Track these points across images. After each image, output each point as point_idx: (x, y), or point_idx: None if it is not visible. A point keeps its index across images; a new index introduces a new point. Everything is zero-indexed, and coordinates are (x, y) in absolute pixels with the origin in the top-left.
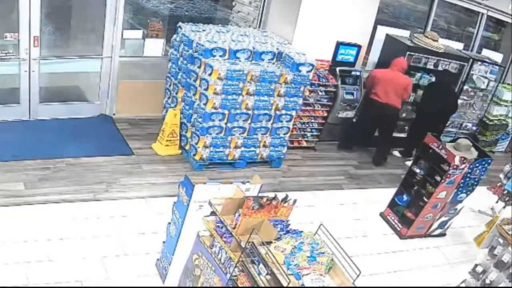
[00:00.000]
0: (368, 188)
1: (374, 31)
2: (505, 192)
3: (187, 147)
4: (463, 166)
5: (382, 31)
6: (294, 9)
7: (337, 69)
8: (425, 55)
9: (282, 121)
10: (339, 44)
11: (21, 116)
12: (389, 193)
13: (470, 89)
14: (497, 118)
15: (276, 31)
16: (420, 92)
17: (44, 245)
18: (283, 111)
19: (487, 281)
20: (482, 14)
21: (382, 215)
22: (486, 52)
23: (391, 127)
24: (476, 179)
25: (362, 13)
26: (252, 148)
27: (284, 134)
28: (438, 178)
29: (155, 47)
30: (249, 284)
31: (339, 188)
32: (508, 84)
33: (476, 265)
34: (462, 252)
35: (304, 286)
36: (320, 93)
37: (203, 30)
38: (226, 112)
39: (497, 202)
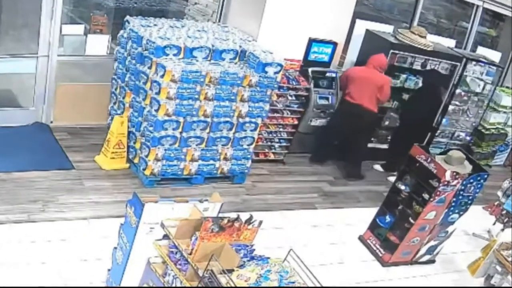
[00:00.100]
0: (345, 208)
1: (352, 26)
2: (504, 212)
3: (136, 160)
4: (455, 182)
5: (362, 26)
6: (260, 1)
7: (310, 70)
8: (411, 54)
9: (245, 130)
10: (311, 41)
11: None
12: (369, 213)
13: (463, 93)
14: (494, 127)
15: (238, 26)
16: (405, 96)
17: None
18: (247, 119)
19: None
20: (477, 6)
21: (361, 238)
22: (481, 50)
23: (364, 132)
24: (470, 197)
25: (338, 6)
26: (211, 162)
27: (248, 145)
28: (426, 196)
29: (99, 44)
30: None
31: (312, 207)
32: (507, 87)
33: None
34: (453, 282)
35: None
36: (289, 97)
37: (155, 25)
38: (181, 119)
39: (494, 223)
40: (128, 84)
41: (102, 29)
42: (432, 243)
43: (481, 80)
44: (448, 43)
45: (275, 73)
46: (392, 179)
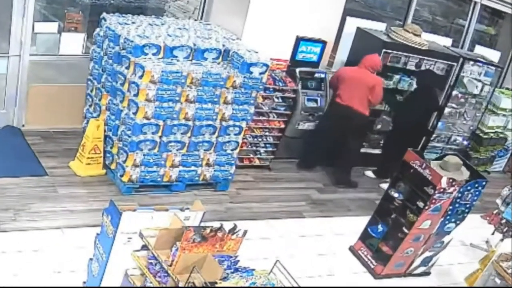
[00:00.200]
0: (335, 217)
1: (342, 24)
2: (503, 221)
3: (112, 166)
4: (451, 189)
5: (353, 24)
6: None
7: (297, 70)
8: (405, 53)
9: (229, 135)
10: (299, 40)
11: None
12: (360, 222)
13: (460, 95)
14: (493, 131)
15: (222, 24)
16: (399, 98)
17: None
18: (231, 122)
19: None
20: (475, 2)
21: (352, 249)
22: (479, 50)
23: (355, 136)
24: (468, 206)
25: (327, 2)
26: (193, 168)
27: (232, 150)
28: (421, 204)
29: (73, 43)
30: None
31: (300, 216)
32: (507, 88)
33: None
34: None
35: None
36: (276, 99)
37: (133, 23)
38: (160, 123)
39: (493, 233)
40: (105, 86)
41: (77, 27)
42: (427, 254)
43: (479, 81)
44: (444, 41)
45: (261, 73)
46: (384, 186)
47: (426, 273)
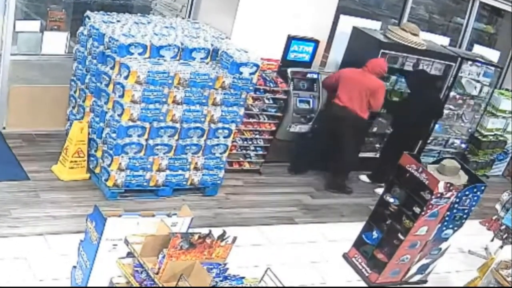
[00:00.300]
0: (328, 223)
1: (335, 23)
2: (503, 227)
3: (97, 170)
4: (449, 194)
5: (346, 22)
6: None
7: (289, 70)
8: (404, 54)
9: (218, 137)
10: (291, 39)
11: None
12: (354, 228)
13: (458, 96)
14: (492, 133)
15: (210, 22)
16: (395, 99)
17: None
18: (220, 125)
19: None
20: (474, 0)
21: (346, 256)
22: (478, 49)
23: (351, 140)
24: (466, 211)
25: (320, 0)
26: (180, 172)
27: (221, 153)
28: (417, 210)
29: (56, 42)
30: None
31: (291, 222)
32: (507, 89)
33: None
34: None
35: None
36: (267, 101)
37: (118, 21)
38: (147, 125)
39: (492, 240)
40: (89, 86)
41: (60, 25)
42: (424, 261)
43: (478, 81)
44: (442, 41)
45: (251, 74)
46: (379, 191)
47: (423, 281)
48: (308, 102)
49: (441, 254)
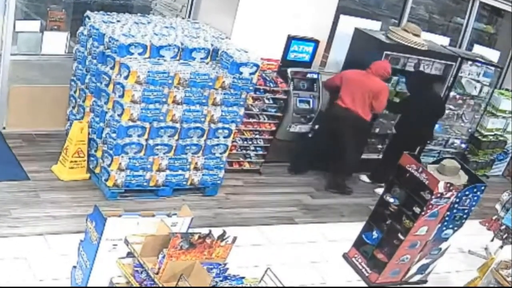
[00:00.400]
0: (328, 223)
1: (335, 22)
2: (503, 227)
3: (97, 170)
4: (449, 194)
5: (346, 22)
6: None
7: (289, 70)
8: (407, 55)
9: (218, 137)
10: (291, 39)
11: None
12: (354, 228)
13: (458, 96)
14: (492, 133)
15: (210, 23)
16: (397, 100)
17: None
18: (220, 124)
19: None
20: (474, 0)
21: (346, 256)
22: (478, 49)
23: (352, 140)
24: (466, 211)
25: (320, 0)
26: (180, 172)
27: (221, 153)
28: (417, 210)
29: (56, 42)
30: None
31: (291, 222)
32: (507, 89)
33: None
34: None
35: None
36: (267, 101)
37: (118, 21)
38: (147, 125)
39: (492, 240)
40: (89, 86)
41: (60, 25)
42: (424, 261)
43: (478, 81)
44: (442, 41)
45: (251, 74)
46: (379, 191)
47: (423, 281)
48: (308, 102)
49: (441, 254)
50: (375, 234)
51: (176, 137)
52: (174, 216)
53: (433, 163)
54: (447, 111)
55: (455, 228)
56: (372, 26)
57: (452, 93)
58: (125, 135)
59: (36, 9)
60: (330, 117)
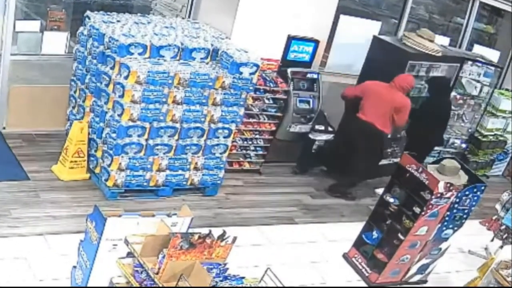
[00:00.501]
0: (328, 223)
1: (335, 22)
2: (503, 227)
3: (97, 170)
4: (449, 194)
5: (346, 22)
6: None
7: (289, 70)
8: (427, 63)
9: (218, 137)
10: (291, 39)
11: None
12: (354, 228)
13: (458, 96)
14: (492, 133)
15: (210, 23)
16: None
17: None
18: (220, 125)
19: None
20: (474, 0)
21: (346, 256)
22: (478, 49)
23: (369, 153)
24: (466, 211)
25: (320, 0)
26: (180, 172)
27: (221, 153)
28: (417, 210)
29: (56, 42)
30: None
31: (292, 222)
32: (507, 89)
33: None
34: None
35: None
36: (267, 101)
37: (118, 21)
38: (147, 125)
39: (492, 240)
40: (89, 86)
41: (60, 25)
42: (424, 261)
43: (478, 81)
44: (442, 41)
45: (251, 74)
46: (379, 191)
47: (423, 281)
48: (308, 102)
49: (441, 254)
50: (375, 234)
51: (176, 137)
52: (174, 216)
53: (433, 163)
54: None
55: (455, 228)
56: (371, 25)
57: (452, 93)
58: (125, 135)
59: (36, 9)
60: (351, 130)
